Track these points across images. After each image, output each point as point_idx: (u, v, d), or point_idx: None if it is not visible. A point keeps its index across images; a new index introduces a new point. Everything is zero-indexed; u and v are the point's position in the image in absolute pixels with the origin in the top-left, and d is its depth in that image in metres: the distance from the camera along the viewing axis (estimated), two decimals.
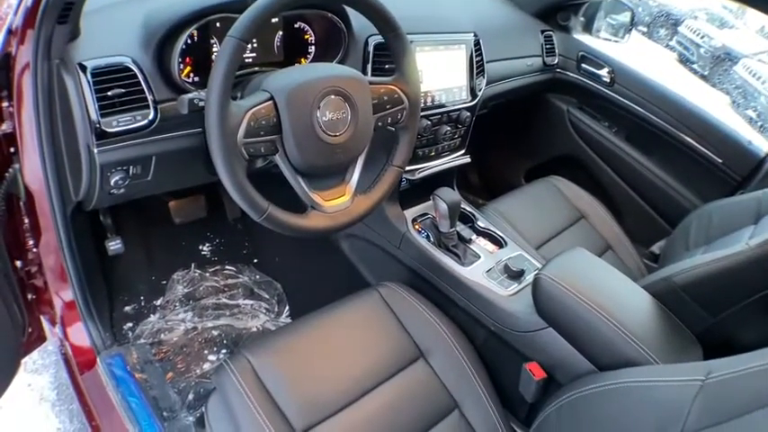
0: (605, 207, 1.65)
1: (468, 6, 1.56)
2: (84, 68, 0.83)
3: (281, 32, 1.06)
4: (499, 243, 1.31)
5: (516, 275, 1.18)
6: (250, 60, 1.04)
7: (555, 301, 0.98)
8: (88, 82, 0.83)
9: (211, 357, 1.41)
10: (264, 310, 1.55)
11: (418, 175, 1.33)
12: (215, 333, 1.46)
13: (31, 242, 1.16)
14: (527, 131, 2.12)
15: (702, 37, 5.69)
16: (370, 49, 1.15)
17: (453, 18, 1.38)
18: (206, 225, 1.69)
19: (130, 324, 1.43)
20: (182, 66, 0.94)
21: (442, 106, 1.29)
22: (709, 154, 1.64)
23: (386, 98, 0.94)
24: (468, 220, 1.38)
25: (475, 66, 1.35)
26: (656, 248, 1.66)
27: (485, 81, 1.41)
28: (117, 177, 0.93)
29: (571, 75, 1.87)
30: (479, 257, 1.24)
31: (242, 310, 1.54)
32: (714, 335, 1.04)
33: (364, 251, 1.52)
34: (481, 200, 2.06)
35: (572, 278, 0.98)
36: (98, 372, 1.12)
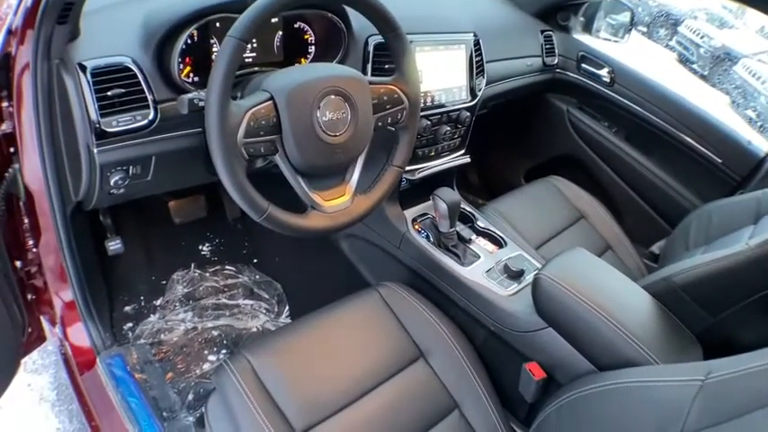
0: (605, 207, 1.65)
1: (468, 6, 1.56)
2: (83, 68, 0.83)
3: (280, 32, 1.06)
4: (499, 243, 1.31)
5: (516, 275, 1.17)
6: (250, 60, 1.04)
7: (555, 301, 0.98)
8: (88, 82, 0.83)
9: (211, 357, 1.41)
10: (264, 311, 1.55)
11: (418, 175, 1.33)
12: (215, 333, 1.46)
13: (30, 242, 1.16)
14: (527, 131, 2.12)
15: (702, 37, 5.70)
16: (370, 49, 1.15)
17: (453, 18, 1.38)
18: (206, 225, 1.69)
19: (130, 324, 1.43)
20: (181, 66, 0.93)
21: (442, 106, 1.29)
22: (709, 154, 1.64)
23: (386, 98, 0.94)
24: (467, 220, 1.38)
25: (475, 66, 1.35)
26: (655, 248, 1.66)
27: (484, 81, 1.41)
28: (117, 177, 0.93)
29: (571, 75, 1.87)
30: (479, 257, 1.24)
31: (242, 310, 1.54)
32: (714, 335, 1.04)
33: (364, 251, 1.52)
34: (481, 200, 2.06)
35: (572, 278, 0.98)
36: (98, 372, 1.12)
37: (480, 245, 1.30)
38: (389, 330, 1.07)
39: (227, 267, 1.63)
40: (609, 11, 1.80)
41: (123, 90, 0.85)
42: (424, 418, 0.97)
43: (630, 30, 1.79)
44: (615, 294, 1.01)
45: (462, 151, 1.45)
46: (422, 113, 1.21)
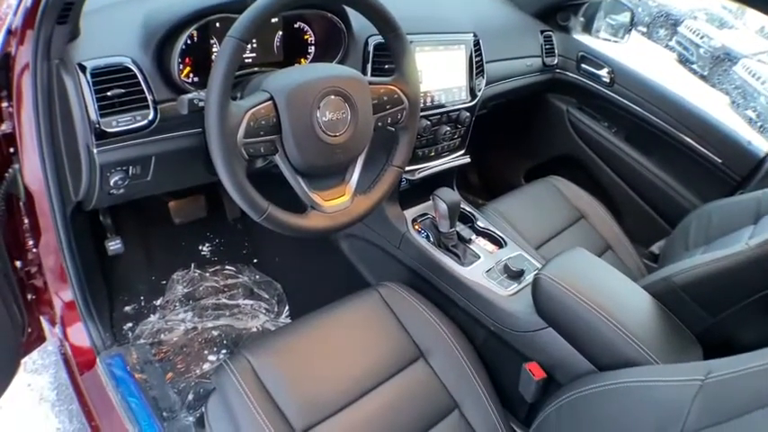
0: (605, 207, 1.65)
1: (468, 6, 1.56)
2: (83, 69, 0.83)
3: (280, 32, 1.06)
4: (499, 243, 1.31)
5: (516, 275, 1.18)
6: (250, 60, 1.04)
7: (555, 301, 0.98)
8: (88, 82, 0.83)
9: (211, 357, 1.41)
10: (264, 311, 1.55)
11: (418, 176, 1.33)
12: (215, 333, 1.46)
13: (30, 242, 1.16)
14: (527, 132, 2.12)
15: (702, 37, 5.70)
16: (370, 49, 1.15)
17: (453, 18, 1.38)
18: (206, 225, 1.69)
19: (130, 324, 1.43)
20: (181, 66, 0.93)
21: (442, 106, 1.30)
22: (709, 154, 1.64)
23: (386, 98, 0.94)
24: (467, 220, 1.38)
25: (474, 66, 1.35)
26: (655, 248, 1.67)
27: (484, 81, 1.41)
28: (116, 177, 0.93)
29: (571, 75, 1.87)
30: (479, 257, 1.24)
31: (242, 310, 1.54)
32: (714, 335, 1.04)
33: (364, 251, 1.52)
34: (481, 200, 2.06)
35: (572, 278, 0.98)
36: (98, 372, 1.12)
37: (480, 245, 1.30)
38: (389, 330, 1.08)
39: (227, 267, 1.63)
40: (609, 11, 1.80)
41: (123, 90, 0.85)
42: (424, 418, 0.97)
43: (630, 30, 1.79)
44: (615, 294, 1.01)
45: (462, 151, 1.45)
46: (422, 114, 1.21)
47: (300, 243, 1.64)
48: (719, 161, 1.63)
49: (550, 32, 1.82)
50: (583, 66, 1.84)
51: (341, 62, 1.13)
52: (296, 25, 1.09)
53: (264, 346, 0.99)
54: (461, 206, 1.33)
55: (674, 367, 0.77)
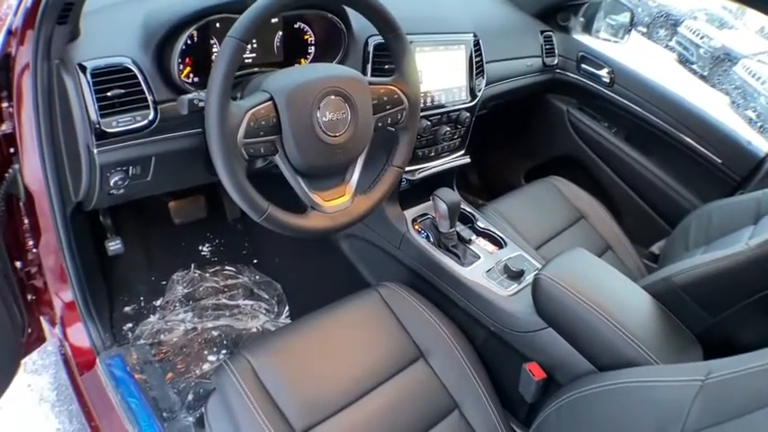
0: (605, 207, 1.65)
1: (468, 7, 1.56)
2: (83, 69, 0.83)
3: (280, 33, 1.06)
4: (499, 243, 1.31)
5: (516, 276, 1.17)
6: (250, 61, 1.04)
7: (555, 302, 0.98)
8: (88, 82, 0.83)
9: (211, 358, 1.41)
10: (264, 311, 1.55)
11: (418, 176, 1.33)
12: (215, 333, 1.46)
13: (30, 243, 1.16)
14: (527, 132, 2.12)
15: (702, 37, 5.71)
16: (370, 49, 1.15)
17: (453, 18, 1.38)
18: (206, 225, 1.69)
19: (130, 324, 1.43)
20: (181, 66, 0.93)
21: (442, 107, 1.30)
22: (709, 154, 1.65)
23: (386, 98, 0.94)
24: (467, 220, 1.38)
25: (474, 66, 1.35)
26: (655, 249, 1.66)
27: (484, 81, 1.41)
28: (117, 178, 0.93)
29: (571, 75, 1.87)
30: (479, 258, 1.24)
31: (242, 310, 1.54)
32: (714, 335, 1.04)
33: (364, 251, 1.52)
34: (481, 200, 2.06)
35: (572, 278, 0.98)
36: (98, 372, 1.12)
37: (480, 245, 1.30)
38: (389, 331, 1.07)
39: (227, 268, 1.63)
40: (609, 11, 1.80)
41: (123, 90, 0.85)
42: (424, 418, 0.97)
43: (630, 30, 1.79)
44: (615, 294, 1.01)
45: (462, 152, 1.45)
46: (422, 114, 1.21)
47: (300, 243, 1.64)
48: (719, 161, 1.63)
49: (550, 33, 1.82)
50: (583, 66, 1.84)
51: (341, 62, 1.13)
52: (296, 25, 1.09)
53: (264, 346, 0.99)
54: (461, 206, 1.33)
55: (675, 367, 0.77)
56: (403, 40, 0.94)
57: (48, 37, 0.83)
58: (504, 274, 1.19)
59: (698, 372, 0.62)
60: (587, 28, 1.83)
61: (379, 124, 0.95)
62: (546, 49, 1.79)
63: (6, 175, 1.04)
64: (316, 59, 1.13)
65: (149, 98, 0.88)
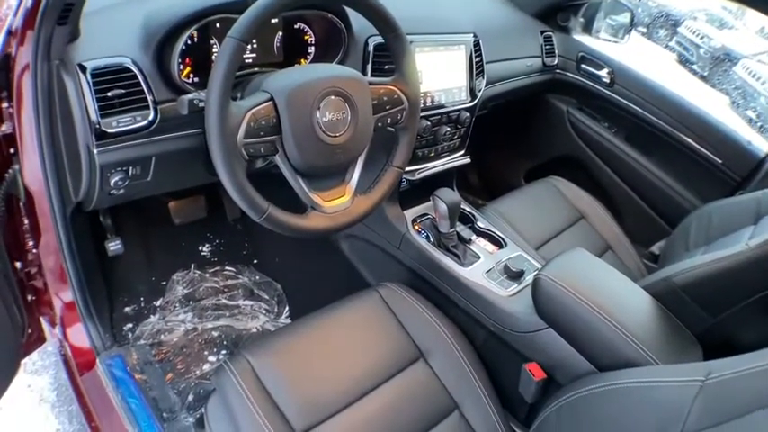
0: (605, 207, 1.65)
1: (468, 7, 1.56)
2: (83, 69, 0.83)
3: (280, 33, 1.06)
4: (499, 243, 1.31)
5: (516, 276, 1.17)
6: (250, 61, 1.04)
7: (555, 302, 0.98)
8: (88, 83, 0.83)
9: (211, 358, 1.41)
10: (264, 311, 1.55)
11: (418, 176, 1.33)
12: (215, 334, 1.46)
13: (30, 243, 1.16)
14: (527, 132, 2.12)
15: (702, 38, 5.71)
16: (370, 49, 1.15)
17: (453, 19, 1.38)
18: (206, 226, 1.69)
19: (130, 325, 1.43)
20: (181, 66, 0.94)
21: (442, 107, 1.30)
22: (709, 154, 1.65)
23: (386, 99, 0.95)
24: (467, 220, 1.38)
25: (474, 66, 1.36)
26: (655, 249, 1.66)
27: (484, 82, 1.41)
28: (117, 178, 0.93)
29: (571, 75, 1.87)
30: (479, 258, 1.24)
31: (242, 310, 1.54)
32: (714, 335, 1.04)
33: (364, 252, 1.52)
34: (481, 200, 2.06)
35: (572, 278, 0.98)
36: (98, 373, 1.12)
37: (480, 245, 1.30)
38: (389, 331, 1.07)
39: (227, 268, 1.63)
40: (609, 12, 1.80)
41: (123, 91, 0.85)
42: (424, 418, 0.97)
43: (630, 30, 1.79)
44: (615, 295, 1.01)
45: (462, 152, 1.45)
46: (422, 114, 1.21)
47: (300, 243, 1.64)
48: (719, 161, 1.63)
49: (550, 33, 1.82)
50: (583, 66, 1.84)
51: (341, 62, 1.13)
52: (296, 26, 1.09)
53: (264, 346, 0.99)
54: (461, 206, 1.33)
55: (675, 368, 0.77)
56: (403, 41, 0.94)
57: (48, 37, 0.83)
58: (504, 274, 1.19)
59: (698, 372, 0.62)
60: (587, 28, 1.83)
61: (379, 124, 0.95)
62: (546, 49, 1.79)
63: (6, 175, 1.04)
64: (316, 60, 1.13)
65: (149, 98, 0.88)
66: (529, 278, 1.16)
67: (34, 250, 1.16)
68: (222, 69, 0.76)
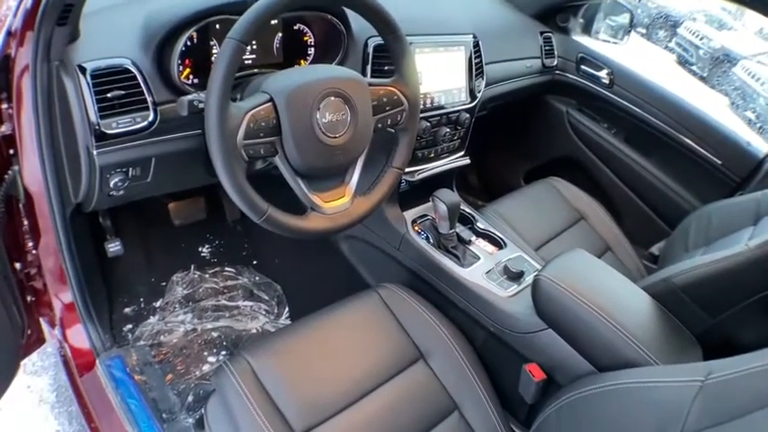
0: (604, 208, 1.65)
1: (468, 8, 1.57)
2: (83, 70, 0.83)
3: (280, 34, 1.06)
4: (499, 244, 1.31)
5: (516, 277, 1.17)
6: (249, 62, 1.04)
7: (554, 303, 0.98)
8: (88, 84, 0.83)
9: (211, 359, 1.41)
10: (264, 312, 1.55)
11: (418, 177, 1.33)
12: (214, 335, 1.46)
13: (30, 244, 1.15)
14: (526, 133, 2.12)
15: (701, 38, 5.71)
16: (370, 50, 1.16)
17: (453, 20, 1.38)
18: (205, 227, 1.69)
19: (130, 326, 1.43)
20: (181, 67, 0.94)
21: (442, 108, 1.30)
22: (709, 155, 1.65)
23: (385, 100, 0.95)
24: (467, 221, 1.38)
25: (474, 67, 1.36)
26: (655, 249, 1.67)
27: (484, 83, 1.41)
28: (116, 179, 0.93)
29: (570, 76, 1.87)
30: (479, 259, 1.24)
31: (241, 311, 1.54)
32: (714, 336, 1.04)
33: (364, 252, 1.52)
34: (480, 201, 2.06)
35: (571, 279, 0.98)
36: (97, 373, 1.12)
37: (480, 246, 1.30)
38: (389, 332, 1.07)
39: (226, 269, 1.63)
40: (608, 12, 1.80)
41: (123, 92, 0.85)
42: (424, 419, 0.97)
43: (630, 31, 1.80)
44: (615, 295, 1.01)
45: (462, 153, 1.45)
46: (421, 115, 1.21)
47: (300, 244, 1.64)
48: (719, 162, 1.63)
49: (550, 34, 1.82)
50: (582, 67, 1.84)
51: (340, 63, 1.13)
52: (295, 27, 1.09)
53: (264, 347, 0.99)
54: (461, 207, 1.33)
55: (674, 368, 0.77)
56: (402, 42, 0.94)
57: (47, 38, 0.83)
58: (503, 275, 1.19)
59: (698, 372, 0.62)
60: (587, 29, 1.84)
61: (379, 125, 0.95)
62: (545, 50, 1.79)
63: (6, 176, 1.04)
64: (315, 61, 1.13)
65: (149, 99, 0.88)
66: (528, 279, 1.16)
67: (34, 251, 1.16)
68: (222, 70, 0.76)
